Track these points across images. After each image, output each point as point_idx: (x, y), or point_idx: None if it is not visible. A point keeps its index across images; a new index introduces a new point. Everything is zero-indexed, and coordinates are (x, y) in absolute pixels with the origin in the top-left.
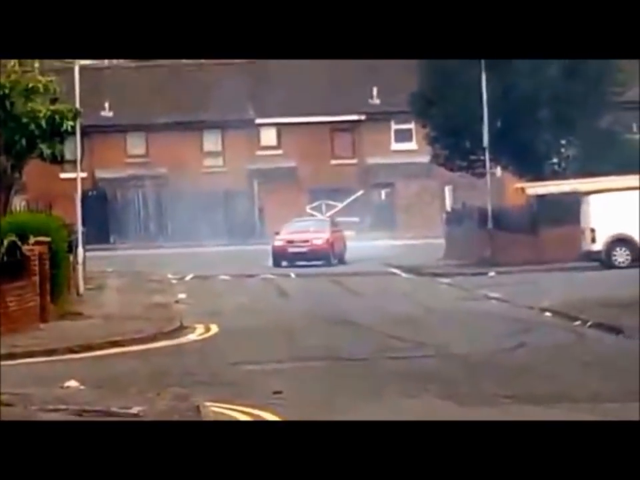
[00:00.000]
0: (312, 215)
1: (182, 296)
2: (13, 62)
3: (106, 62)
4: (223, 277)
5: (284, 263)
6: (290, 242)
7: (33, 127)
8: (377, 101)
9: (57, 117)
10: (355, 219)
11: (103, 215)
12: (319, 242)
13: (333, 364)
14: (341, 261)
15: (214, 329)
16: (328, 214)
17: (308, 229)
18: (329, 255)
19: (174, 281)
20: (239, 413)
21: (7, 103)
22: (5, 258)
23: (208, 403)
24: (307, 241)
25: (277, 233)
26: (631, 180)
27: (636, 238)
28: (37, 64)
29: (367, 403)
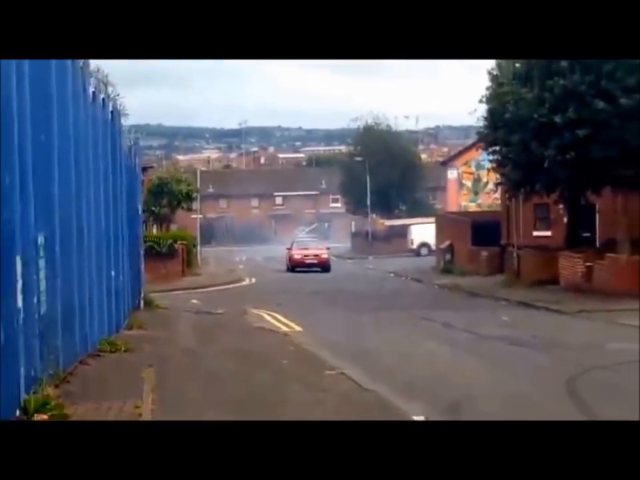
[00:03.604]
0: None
1: (241, 267)
2: (172, 166)
3: (211, 168)
4: (259, 258)
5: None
6: (306, 256)
7: (179, 196)
8: (324, 185)
9: (189, 192)
10: (315, 235)
11: (208, 232)
12: (325, 256)
13: (309, 294)
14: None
15: (254, 280)
16: (304, 233)
17: (309, 245)
18: (329, 265)
19: (237, 260)
20: (263, 312)
21: (169, 185)
22: (168, 250)
23: (251, 308)
24: (317, 255)
25: (289, 248)
26: (429, 220)
27: (430, 243)
28: (182, 169)
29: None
